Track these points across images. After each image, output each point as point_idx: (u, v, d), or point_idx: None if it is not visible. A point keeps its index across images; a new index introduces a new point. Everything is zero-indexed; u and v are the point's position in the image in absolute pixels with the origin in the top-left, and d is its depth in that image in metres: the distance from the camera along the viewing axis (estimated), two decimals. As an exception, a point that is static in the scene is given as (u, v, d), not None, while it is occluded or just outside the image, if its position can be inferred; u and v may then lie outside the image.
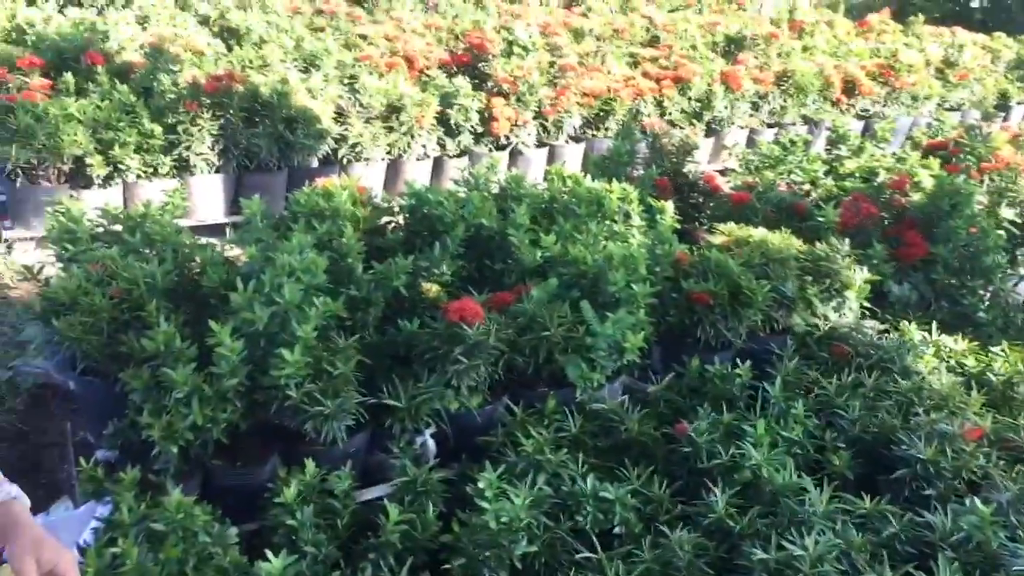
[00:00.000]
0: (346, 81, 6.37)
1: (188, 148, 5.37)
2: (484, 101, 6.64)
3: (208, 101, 5.38)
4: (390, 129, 6.15)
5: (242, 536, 2.63)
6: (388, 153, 6.26)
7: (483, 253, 3.80)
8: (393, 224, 3.90)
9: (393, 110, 6.16)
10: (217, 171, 5.55)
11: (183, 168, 5.44)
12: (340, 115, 6.03)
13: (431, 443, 3.17)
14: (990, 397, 3.71)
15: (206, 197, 5.59)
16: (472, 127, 6.52)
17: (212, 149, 5.45)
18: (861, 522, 2.92)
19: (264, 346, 2.77)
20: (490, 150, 6.68)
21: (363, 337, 3.14)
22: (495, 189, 4.23)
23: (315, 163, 5.91)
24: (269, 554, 2.34)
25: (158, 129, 5.25)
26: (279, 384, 2.67)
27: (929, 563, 2.69)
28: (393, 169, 6.37)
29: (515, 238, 3.60)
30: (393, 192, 6.13)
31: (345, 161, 6.08)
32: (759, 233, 4.17)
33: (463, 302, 3.13)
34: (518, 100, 6.71)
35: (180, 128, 5.32)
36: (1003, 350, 3.95)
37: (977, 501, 2.85)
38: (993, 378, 3.79)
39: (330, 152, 5.97)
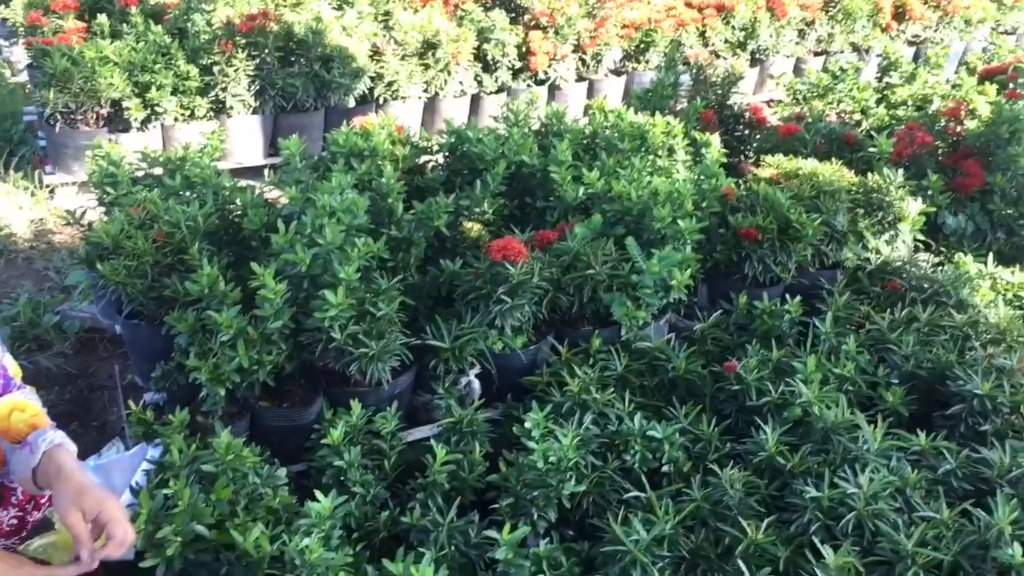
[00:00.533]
0: (381, 17, 6.26)
1: (224, 89, 5.32)
2: (521, 35, 6.49)
3: (243, 41, 5.31)
4: (426, 66, 6.04)
5: (290, 477, 2.64)
6: (425, 91, 6.16)
7: (525, 191, 3.73)
8: (432, 163, 3.84)
9: (429, 46, 6.04)
10: (254, 112, 5.50)
11: (220, 110, 5.40)
12: (376, 52, 5.93)
13: (476, 383, 3.15)
14: (1049, 330, 3.60)
15: (244, 139, 5.55)
16: (510, 62, 6.39)
17: (248, 90, 5.39)
18: (916, 459, 2.86)
19: (307, 288, 2.75)
20: (528, 86, 6.55)
21: (405, 278, 3.11)
22: (535, 125, 4.14)
23: (352, 102, 5.83)
24: (318, 494, 2.34)
25: (194, 71, 5.21)
26: (323, 326, 2.65)
27: (986, 500, 2.63)
28: (430, 107, 6.28)
29: (557, 175, 3.53)
30: (431, 130, 6.05)
31: (381, 100, 6.00)
32: (809, 165, 4.05)
33: (506, 241, 3.07)
34: (556, 33, 6.55)
35: (216, 69, 5.27)
36: (1061, 281, 3.83)
37: (1036, 435, 2.78)
38: (1052, 311, 3.68)
39: (366, 91, 5.89)
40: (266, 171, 3.67)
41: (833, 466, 2.75)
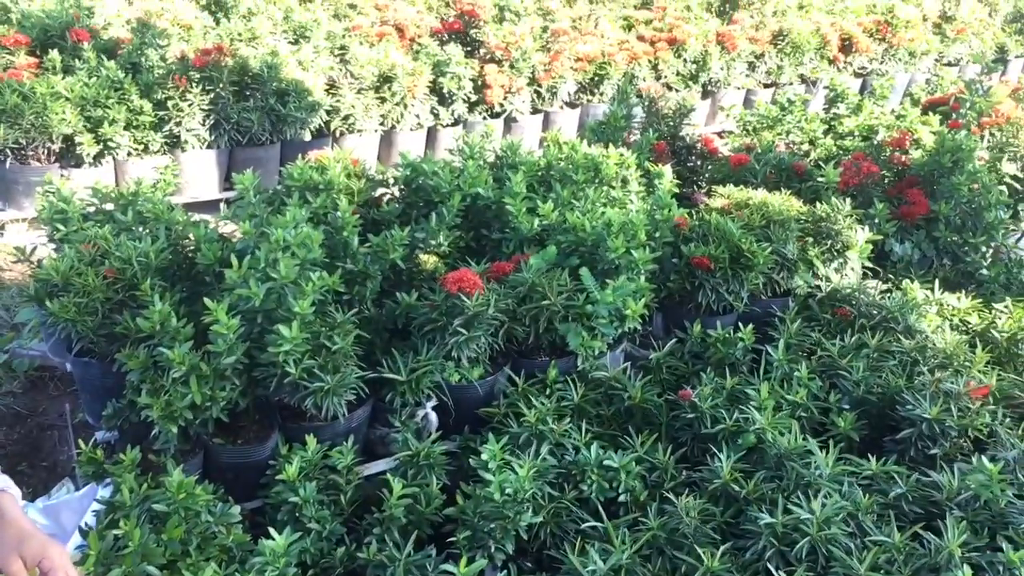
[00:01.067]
0: (337, 52, 6.29)
1: (179, 124, 5.30)
2: (477, 69, 6.56)
3: (197, 76, 5.31)
4: (382, 100, 6.08)
5: (245, 514, 2.61)
6: (381, 124, 6.19)
7: (480, 223, 3.75)
8: (388, 196, 3.85)
9: (385, 80, 6.08)
10: (209, 147, 5.49)
11: (174, 144, 5.38)
12: (332, 87, 5.96)
13: (433, 416, 3.15)
14: (994, 354, 3.69)
15: (199, 173, 5.53)
16: (466, 95, 6.45)
17: (203, 124, 5.38)
18: (867, 483, 2.90)
19: (261, 323, 2.73)
20: (484, 118, 6.61)
21: (361, 311, 3.11)
22: (491, 158, 4.18)
23: (308, 136, 5.84)
24: (273, 531, 2.32)
25: (148, 105, 5.19)
26: (277, 361, 2.63)
27: (936, 523, 2.68)
28: (386, 140, 6.31)
29: (512, 207, 3.56)
30: (387, 163, 6.08)
31: (338, 133, 6.02)
32: (759, 195, 4.12)
33: (461, 273, 3.09)
34: (511, 67, 6.63)
35: (170, 104, 5.25)
36: (1007, 307, 3.93)
37: (984, 459, 2.83)
38: (997, 335, 3.77)
39: (322, 124, 5.91)
40: (221, 205, 3.65)
41: (787, 492, 2.78)
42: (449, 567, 2.38)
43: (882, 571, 2.53)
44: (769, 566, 2.54)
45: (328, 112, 5.89)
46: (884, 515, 2.76)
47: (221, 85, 5.37)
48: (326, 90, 5.88)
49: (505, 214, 3.60)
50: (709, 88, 7.76)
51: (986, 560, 2.56)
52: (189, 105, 5.27)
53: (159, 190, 3.49)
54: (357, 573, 2.56)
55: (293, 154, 4.99)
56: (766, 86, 8.18)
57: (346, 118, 5.97)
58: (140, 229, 3.26)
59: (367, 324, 3.10)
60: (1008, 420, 3.20)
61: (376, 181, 3.78)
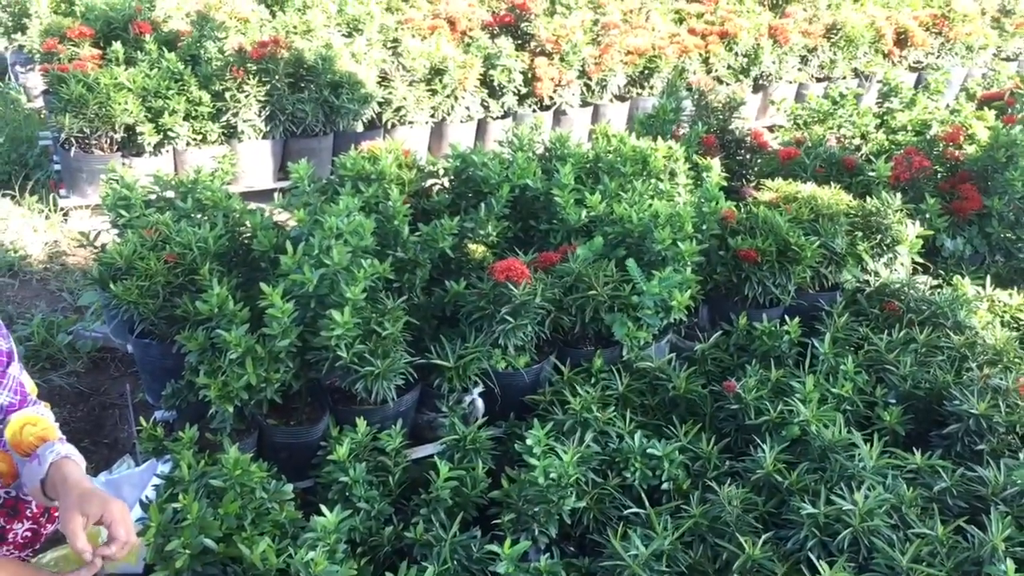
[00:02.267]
0: (389, 45, 6.37)
1: (235, 115, 5.43)
2: (527, 61, 6.59)
3: (254, 68, 5.42)
4: (433, 92, 6.14)
5: (297, 492, 2.70)
6: (432, 116, 6.26)
7: (528, 214, 3.80)
8: (438, 186, 3.92)
9: (436, 72, 6.14)
10: (264, 137, 5.60)
11: (231, 135, 5.50)
12: (384, 79, 6.04)
13: (479, 402, 3.21)
14: (1046, 350, 3.65)
15: (254, 163, 5.65)
16: (515, 88, 6.48)
17: (259, 115, 5.50)
18: (912, 477, 2.91)
19: (314, 308, 2.82)
20: (534, 111, 6.64)
21: (410, 298, 3.18)
22: (539, 150, 4.22)
23: (360, 127, 5.93)
24: (324, 509, 2.40)
25: (206, 96, 5.31)
26: (329, 345, 2.71)
27: (980, 517, 2.67)
28: (437, 132, 6.38)
29: (560, 198, 3.60)
30: (437, 154, 6.15)
31: (389, 125, 6.10)
32: (808, 188, 4.11)
33: (509, 262, 3.14)
34: (561, 60, 6.65)
35: (227, 95, 5.37)
36: (1059, 304, 3.88)
37: (1031, 454, 2.82)
38: (1049, 332, 3.73)
39: (374, 116, 5.99)
40: (276, 194, 3.76)
41: (830, 484, 2.80)
42: (494, 547, 2.44)
43: (924, 563, 2.54)
44: (811, 556, 2.56)
45: (380, 104, 5.97)
46: (928, 509, 2.76)
47: (277, 77, 5.48)
48: (378, 82, 5.97)
49: (553, 205, 3.64)
50: (760, 82, 7.70)
51: (1031, 555, 2.55)
52: (246, 96, 5.39)
53: (217, 178, 3.60)
54: (404, 552, 2.63)
55: (346, 145, 5.08)
56: (818, 80, 8.10)
57: (398, 110, 6.05)
58: (199, 216, 3.36)
59: (416, 311, 3.17)
60: (1058, 417, 3.16)
61: (426, 172, 3.85)
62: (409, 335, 3.04)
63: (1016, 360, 3.43)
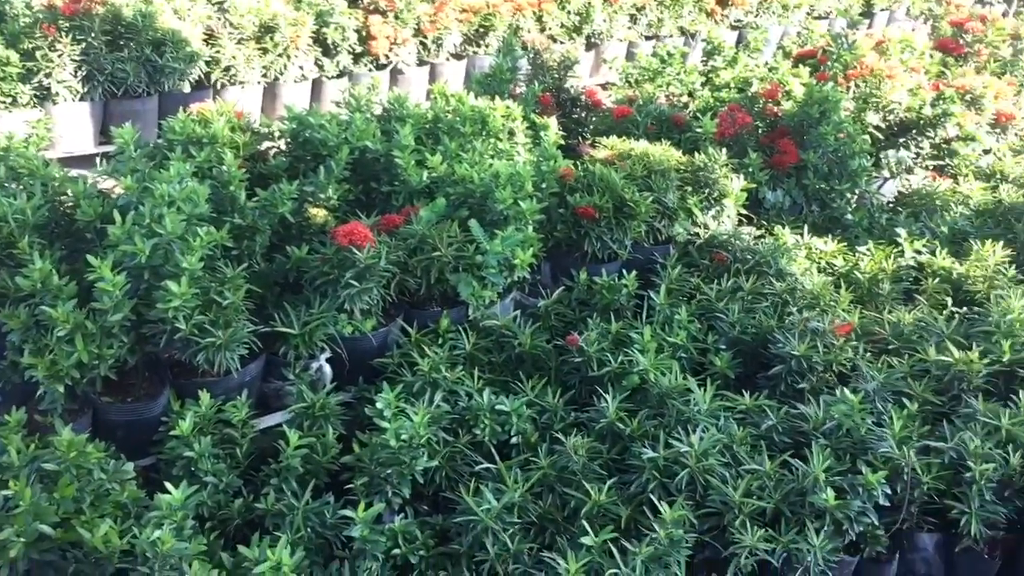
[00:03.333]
0: (214, 1, 6.09)
1: (49, 75, 5.07)
2: (361, 19, 6.46)
3: (67, 24, 5.08)
4: (264, 51, 5.94)
5: (138, 471, 2.61)
6: (264, 76, 6.05)
7: (369, 176, 3.76)
8: (275, 149, 3.81)
9: (266, 30, 5.93)
10: (82, 99, 5.27)
11: (45, 97, 5.14)
12: (211, 36, 5.78)
13: (327, 368, 3.18)
14: (857, 294, 3.95)
15: (73, 127, 5.31)
16: (350, 46, 6.36)
17: (75, 76, 5.16)
18: (742, 417, 3.10)
19: (148, 279, 2.70)
20: (370, 70, 6.53)
21: (251, 266, 3.10)
22: (378, 110, 4.17)
23: (187, 88, 5.67)
24: (169, 485, 2.33)
25: (14, 56, 4.93)
26: (167, 317, 2.62)
27: (804, 451, 2.89)
28: (270, 92, 6.18)
29: (401, 159, 3.58)
30: (272, 116, 5.96)
31: (219, 85, 5.86)
32: (640, 146, 4.25)
33: (352, 226, 3.11)
34: (396, 17, 6.56)
35: (39, 54, 5.01)
36: (868, 249, 4.19)
37: (847, 391, 3.06)
38: (860, 276, 4.03)
39: (202, 76, 5.74)
40: (98, 160, 3.54)
41: (668, 428, 2.95)
42: (347, 512, 2.45)
43: (755, 496, 2.73)
44: (652, 497, 2.70)
45: (208, 63, 5.72)
46: (757, 446, 2.96)
47: (93, 34, 5.15)
48: (205, 40, 5.71)
49: (394, 167, 3.62)
50: (593, 40, 7.85)
51: (848, 483, 2.78)
52: (59, 55, 5.05)
53: (32, 144, 3.36)
54: (256, 523, 2.59)
55: (173, 107, 4.84)
56: (647, 39, 8.33)
57: (227, 69, 5.82)
58: (14, 186, 3.14)
59: (258, 279, 3.10)
60: (868, 355, 3.44)
61: (262, 135, 3.74)
62: (251, 303, 2.97)
63: (831, 303, 3.69)
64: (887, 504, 2.80)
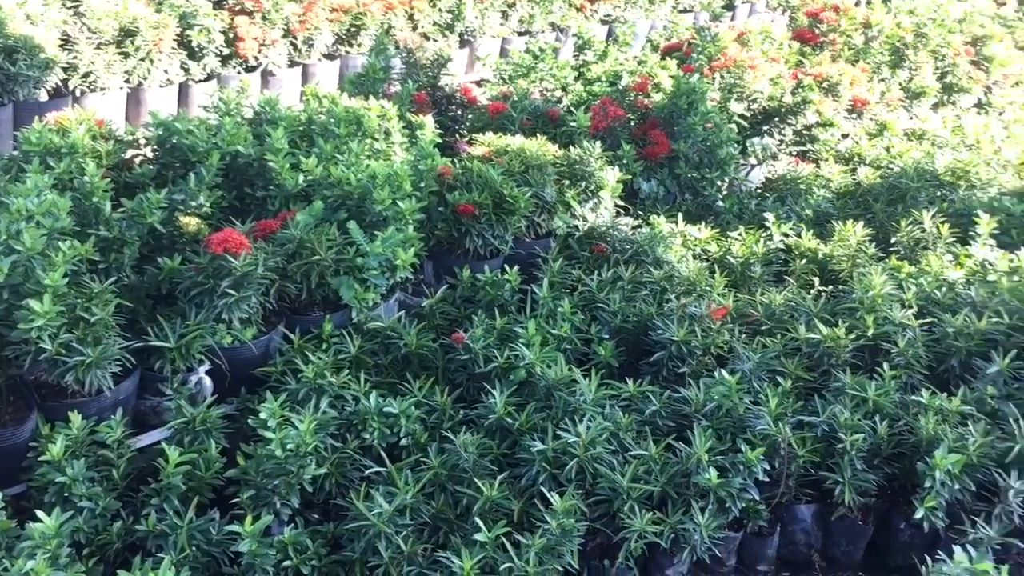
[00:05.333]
0: (69, 4, 5.82)
1: None
2: (227, 20, 6.28)
3: (-94, 32, 4.78)
4: (125, 55, 5.70)
5: (7, 500, 2.48)
6: (127, 81, 5.81)
7: (243, 181, 3.67)
8: (141, 157, 3.67)
9: (127, 34, 5.70)
10: (-73, 110, 4.97)
11: None
12: (67, 42, 5.52)
13: (207, 380, 3.09)
14: (731, 278, 4.08)
15: (-83, 141, 5.01)
16: (217, 49, 6.17)
17: (-83, 86, 4.86)
18: (627, 404, 3.17)
19: (7, 299, 2.57)
20: (239, 72, 6.36)
21: (120, 279, 2.98)
22: (248, 114, 4.07)
23: (44, 96, 5.39)
24: (41, 514, 2.22)
25: None
26: (30, 337, 2.49)
27: (687, 433, 2.98)
28: (134, 98, 5.94)
29: (274, 163, 3.51)
30: (137, 123, 5.74)
31: (78, 92, 5.60)
32: (517, 141, 4.29)
33: (226, 233, 3.03)
34: (264, 18, 6.40)
35: None
36: (740, 235, 4.34)
37: (724, 373, 3.17)
38: (733, 260, 4.17)
39: (60, 83, 5.47)
40: (-53, 175, 3.35)
41: (556, 420, 2.99)
42: (234, 527, 2.39)
43: (642, 481, 2.79)
44: (543, 489, 2.73)
45: (65, 70, 5.46)
46: (642, 431, 3.03)
47: (-65, 42, 4.86)
48: (61, 46, 5.45)
49: (268, 171, 3.55)
50: (466, 38, 7.85)
51: (729, 461, 2.88)
52: (-102, 65, 4.74)
53: None
54: (137, 546, 2.50)
55: (28, 116, 4.62)
56: (520, 34, 8.38)
57: (86, 75, 5.57)
58: None
59: (128, 292, 2.99)
60: (744, 336, 3.57)
61: (126, 142, 3.60)
62: (122, 318, 2.85)
63: (707, 288, 3.81)
64: (766, 479, 2.92)
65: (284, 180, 3.50)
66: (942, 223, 4.28)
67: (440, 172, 3.88)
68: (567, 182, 4.29)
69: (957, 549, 2.44)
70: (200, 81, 6.18)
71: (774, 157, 5.48)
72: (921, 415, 3.05)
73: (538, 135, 4.48)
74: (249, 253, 3.03)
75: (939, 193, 4.94)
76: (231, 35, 6.24)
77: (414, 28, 7.28)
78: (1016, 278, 3.87)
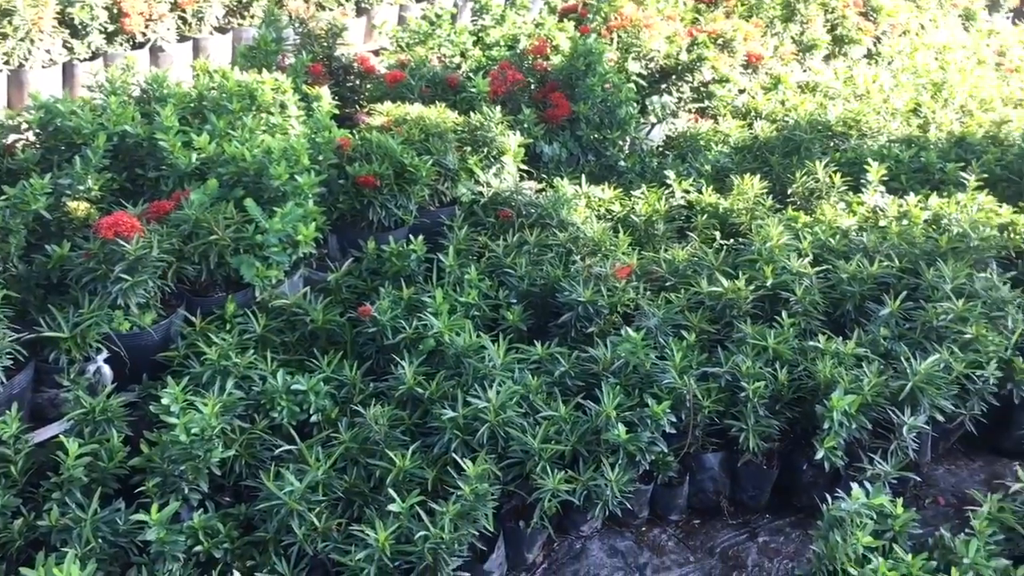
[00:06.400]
0: (-62, -17, 5.52)
1: None
2: (111, -5, 6.05)
3: None
4: (3, 36, 5.45)
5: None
6: (6, 63, 5.56)
7: (133, 162, 3.56)
8: (23, 142, 3.53)
9: (3, 14, 5.44)
10: None
11: None
12: (-63, 24, 5.25)
13: (106, 369, 3.01)
14: (635, 237, 4.14)
15: None
16: (101, 26, 5.93)
17: None
18: (536, 367, 3.20)
19: None
20: (127, 50, 6.14)
21: (7, 269, 2.89)
22: (136, 92, 3.95)
23: (-85, 82, 5.14)
24: (-67, 518, 2.15)
25: None
26: (-90, 336, 2.39)
27: (595, 392, 3.02)
28: (16, 80, 5.68)
29: (165, 142, 3.40)
30: (18, 106, 5.50)
31: (-47, 76, 5.35)
32: (416, 110, 4.25)
33: (116, 216, 2.94)
34: (149, -9, 6.19)
35: None
36: (642, 193, 4.40)
37: (629, 330, 3.22)
38: (636, 219, 4.22)
39: (-68, 67, 5.22)
40: None
41: (466, 387, 3.00)
42: (140, 516, 2.35)
43: (552, 441, 2.83)
44: (455, 456, 2.75)
45: (-63, 53, 5.20)
46: (552, 393, 3.07)
47: None
48: (-70, 27, 5.18)
49: (159, 150, 3.44)
50: (363, 6, 7.71)
51: (637, 416, 2.94)
52: None
53: None
54: (41, 542, 2.43)
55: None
56: (418, 1, 8.28)
57: (-39, 58, 5.31)
58: None
59: (16, 283, 2.89)
60: (649, 293, 3.62)
61: (6, 127, 3.46)
62: (11, 310, 2.76)
63: (611, 248, 3.86)
64: (674, 432, 2.99)
65: (176, 159, 3.40)
66: (834, 172, 4.41)
67: (339, 144, 3.83)
68: (469, 149, 4.28)
69: (855, 486, 2.54)
70: (86, 60, 5.94)
71: (674, 115, 5.55)
72: (818, 360, 3.15)
73: (438, 103, 4.44)
74: (142, 236, 2.95)
75: (832, 143, 5.09)
76: (115, 11, 6.00)
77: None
78: (905, 222, 4.03)
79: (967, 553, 2.42)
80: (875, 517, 2.52)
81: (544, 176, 4.57)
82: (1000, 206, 4.24)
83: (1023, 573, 2.48)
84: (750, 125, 5.32)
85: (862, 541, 2.40)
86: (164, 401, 2.61)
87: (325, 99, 4.12)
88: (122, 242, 2.89)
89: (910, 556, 2.40)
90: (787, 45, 6.52)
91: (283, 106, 4.05)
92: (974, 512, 2.59)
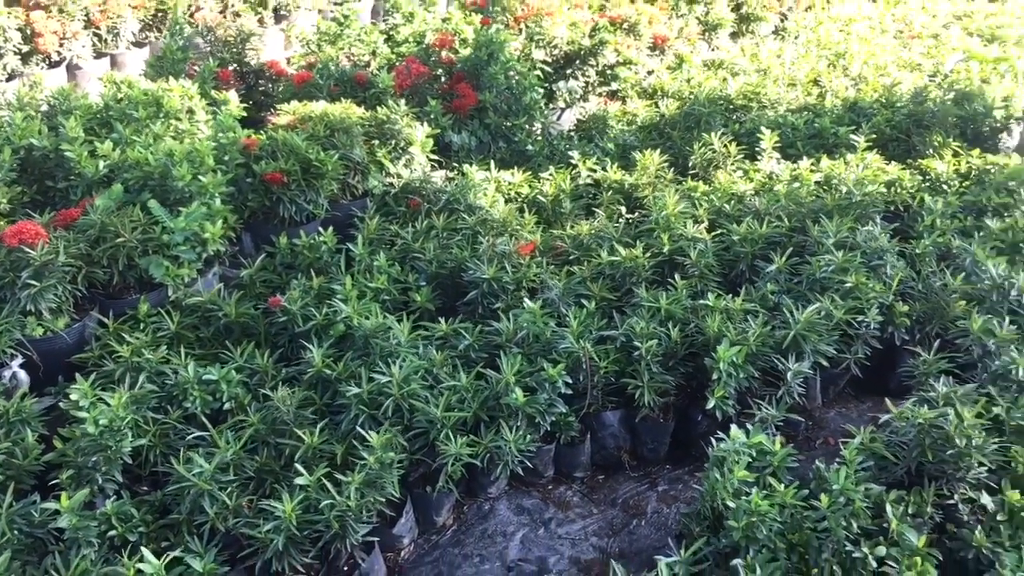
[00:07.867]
0: None
1: None
2: (22, 17, 6.08)
3: None
4: (-85, 61, 5.49)
5: None
6: (-81, 88, 5.58)
7: (42, 174, 3.65)
8: (-71, 162, 3.59)
9: (-87, 39, 5.48)
10: None
11: None
12: None
13: (22, 374, 3.09)
14: (543, 216, 4.29)
15: None
16: (15, 47, 5.97)
17: None
18: (442, 342, 3.33)
19: None
20: (43, 68, 6.17)
21: (-87, 284, 2.96)
22: (44, 108, 4.03)
23: None
24: None
25: None
26: None
27: (499, 361, 3.16)
28: (-69, 106, 5.72)
29: (71, 152, 3.50)
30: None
31: None
32: (320, 107, 4.36)
33: (19, 225, 3.03)
34: (61, 11, 6.22)
35: None
36: (550, 175, 4.55)
37: (528, 302, 3.37)
38: (543, 199, 4.38)
39: None
40: None
41: (373, 365, 3.12)
42: (50, 504, 2.45)
43: (455, 409, 2.97)
44: (361, 431, 2.87)
45: None
46: (456, 365, 3.20)
47: None
48: None
49: (66, 161, 3.54)
50: (282, 13, 7.80)
51: (536, 380, 3.09)
52: None
53: None
54: (-42, 540, 2.52)
55: None
56: (338, 4, 8.37)
57: None
58: None
59: (-78, 296, 2.96)
60: (553, 267, 3.78)
61: (-91, 148, 3.52)
62: (-82, 322, 2.84)
63: (517, 227, 4.01)
64: (572, 393, 3.14)
65: (83, 168, 3.50)
66: (731, 143, 4.60)
67: (245, 144, 3.93)
68: (377, 142, 4.40)
69: (734, 427, 2.71)
70: (3, 81, 5.98)
71: (584, 99, 5.72)
72: (708, 316, 3.33)
73: (346, 99, 4.56)
74: (47, 243, 3.04)
75: (733, 116, 5.28)
76: (28, 31, 6.04)
77: (224, 9, 7.19)
78: (796, 184, 4.23)
79: (837, 480, 2.60)
80: (755, 455, 2.69)
81: (456, 164, 4.71)
82: (889, 163, 4.46)
83: (894, 498, 2.66)
84: (657, 104, 5.50)
85: (738, 475, 2.56)
86: (73, 397, 2.70)
87: (232, 102, 4.22)
88: (27, 249, 2.98)
89: (783, 486, 2.57)
90: (692, 26, 6.73)
91: (192, 111, 4.15)
92: (845, 443, 2.76)
